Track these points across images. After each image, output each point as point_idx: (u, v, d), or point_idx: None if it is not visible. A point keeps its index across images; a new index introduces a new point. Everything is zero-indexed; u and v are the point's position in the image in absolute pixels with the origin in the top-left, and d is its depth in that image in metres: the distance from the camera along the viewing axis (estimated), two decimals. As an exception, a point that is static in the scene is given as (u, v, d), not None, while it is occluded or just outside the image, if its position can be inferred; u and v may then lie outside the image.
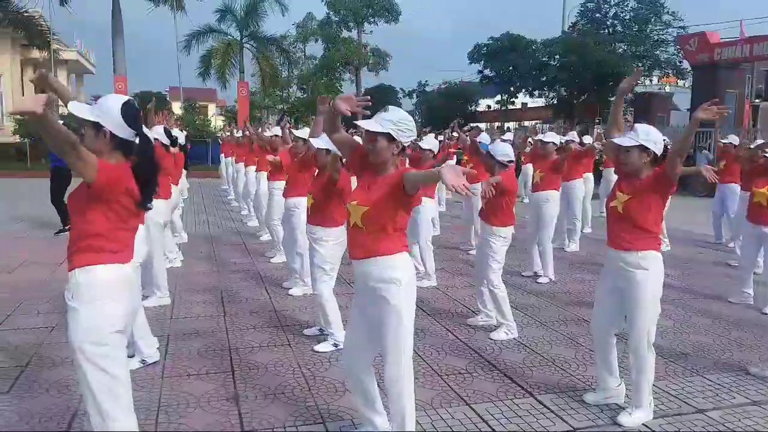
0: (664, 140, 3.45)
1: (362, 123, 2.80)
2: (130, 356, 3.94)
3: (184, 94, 29.17)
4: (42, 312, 5.32)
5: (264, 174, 8.75)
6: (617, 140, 3.36)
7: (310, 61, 35.34)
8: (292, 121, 24.45)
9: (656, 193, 3.31)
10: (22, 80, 28.58)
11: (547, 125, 28.59)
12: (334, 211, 4.46)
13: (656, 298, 3.37)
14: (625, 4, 27.27)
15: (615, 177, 11.70)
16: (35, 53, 26.97)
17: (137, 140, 2.49)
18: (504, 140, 7.32)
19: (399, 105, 40.49)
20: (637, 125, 3.43)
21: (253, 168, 9.92)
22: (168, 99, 38.61)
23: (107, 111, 2.41)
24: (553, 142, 6.74)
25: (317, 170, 4.68)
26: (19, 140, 22.68)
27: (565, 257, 8.12)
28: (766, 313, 5.66)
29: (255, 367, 4.14)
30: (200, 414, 3.43)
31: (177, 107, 27.76)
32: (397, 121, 2.73)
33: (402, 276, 2.76)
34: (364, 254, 2.80)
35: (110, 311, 2.38)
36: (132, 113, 2.46)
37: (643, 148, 3.28)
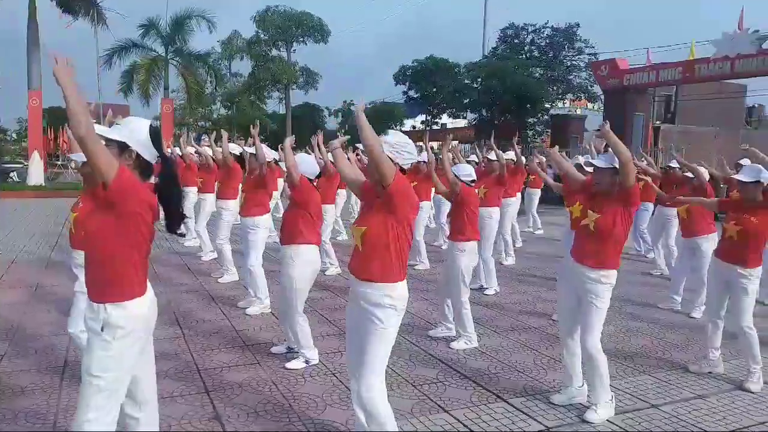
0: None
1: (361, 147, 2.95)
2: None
3: (96, 110, 27.96)
4: (-14, 340, 5.02)
5: (210, 194, 8.65)
6: (595, 162, 3.67)
7: (236, 78, 34.94)
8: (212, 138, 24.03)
9: (623, 205, 3.63)
10: None
11: (469, 145, 29.71)
12: (305, 229, 4.51)
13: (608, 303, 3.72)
14: (542, 31, 28.93)
15: (538, 194, 12.26)
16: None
17: (160, 161, 2.52)
18: (469, 161, 7.64)
19: (324, 123, 40.54)
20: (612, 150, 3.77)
21: (194, 188, 9.69)
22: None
23: (135, 133, 2.45)
24: (498, 161, 7.11)
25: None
26: None
27: (505, 270, 8.50)
28: (693, 317, 6.21)
29: (229, 387, 4.12)
30: (186, 434, 3.40)
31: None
32: (394, 144, 2.90)
33: (396, 304, 2.91)
34: (362, 276, 2.93)
35: (137, 342, 2.44)
36: (159, 136, 2.53)
37: (615, 170, 3.60)
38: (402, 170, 2.96)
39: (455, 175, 5.09)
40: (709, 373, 4.54)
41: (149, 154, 2.49)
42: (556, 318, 5.95)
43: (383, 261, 2.88)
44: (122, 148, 2.41)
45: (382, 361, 2.94)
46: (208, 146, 9.23)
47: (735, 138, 25.91)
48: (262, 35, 31.26)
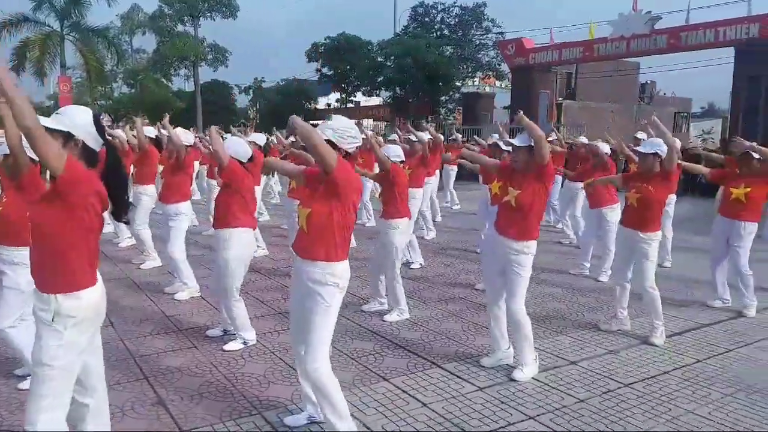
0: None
1: None
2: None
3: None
4: None
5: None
6: (513, 141, 3.93)
7: (139, 55, 33.18)
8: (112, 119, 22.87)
9: (541, 182, 3.94)
10: None
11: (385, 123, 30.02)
12: (238, 212, 4.51)
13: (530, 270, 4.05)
14: (451, 10, 29.49)
15: (455, 171, 12.77)
16: None
17: (104, 149, 2.50)
18: (391, 140, 7.76)
19: (233, 101, 38.97)
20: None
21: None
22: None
23: (79, 122, 2.43)
24: (420, 141, 7.35)
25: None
26: None
27: (427, 244, 8.81)
28: (600, 281, 6.77)
29: (168, 372, 4.10)
30: (132, 422, 3.39)
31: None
32: (337, 128, 2.98)
33: (339, 282, 3.02)
34: (307, 255, 3.02)
35: (89, 330, 2.45)
36: (102, 124, 2.52)
37: (531, 148, 3.87)
38: (347, 154, 3.05)
39: (387, 156, 5.25)
40: (618, 330, 5.02)
41: (94, 141, 2.47)
42: (479, 287, 6.34)
43: (327, 242, 2.97)
44: (66, 137, 2.38)
45: (327, 337, 3.05)
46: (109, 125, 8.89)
47: (630, 112, 27.82)
48: (166, 9, 29.80)
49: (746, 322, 5.34)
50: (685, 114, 33.67)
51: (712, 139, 23.79)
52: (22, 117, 2.10)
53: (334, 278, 3.00)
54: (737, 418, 3.49)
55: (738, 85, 16.55)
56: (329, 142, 2.95)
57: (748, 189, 5.46)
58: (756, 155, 5.51)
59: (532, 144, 3.87)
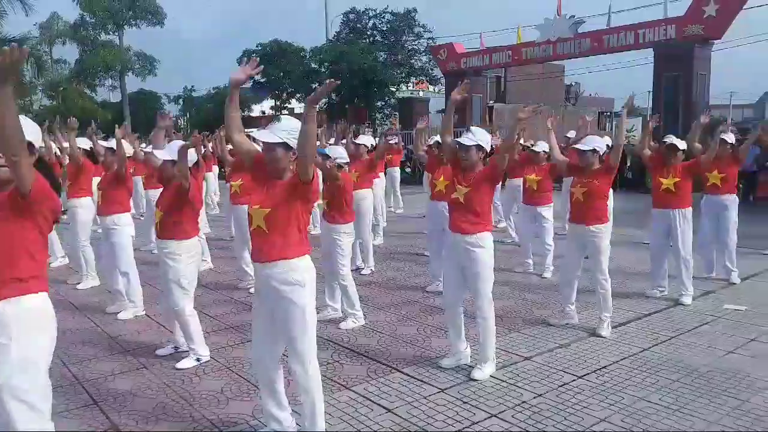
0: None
1: (258, 135, 2.96)
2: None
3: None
4: None
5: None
6: (460, 140, 3.99)
7: (60, 65, 31.63)
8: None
9: (489, 183, 4.03)
10: None
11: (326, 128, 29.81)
12: (186, 223, 4.38)
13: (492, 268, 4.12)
14: (383, 16, 29.73)
15: (399, 173, 12.88)
16: None
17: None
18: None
19: (163, 110, 38.17)
20: (472, 128, 4.11)
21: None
22: None
23: (34, 130, 2.31)
24: (364, 144, 7.36)
25: (163, 183, 4.52)
26: None
27: (375, 250, 8.79)
28: (545, 277, 6.98)
29: (119, 396, 3.92)
30: (84, 450, 3.23)
31: None
32: (291, 130, 2.94)
33: (304, 278, 3.00)
34: (268, 258, 2.97)
35: (43, 342, 2.28)
36: None
37: (479, 147, 3.96)
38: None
39: (329, 157, 5.24)
40: (567, 324, 5.19)
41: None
42: (430, 290, 6.41)
43: (288, 239, 2.96)
44: (31, 146, 2.28)
45: (312, 342, 3.05)
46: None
47: (557, 113, 28.91)
48: (88, 18, 28.57)
49: (683, 310, 5.64)
50: (609, 113, 35.18)
51: (634, 135, 25.13)
52: (20, 141, 2.10)
53: (297, 274, 2.97)
54: (685, 402, 3.68)
55: (657, 85, 17.44)
56: (284, 144, 2.93)
57: (677, 179, 5.78)
58: (681, 147, 5.84)
59: (480, 143, 3.96)
